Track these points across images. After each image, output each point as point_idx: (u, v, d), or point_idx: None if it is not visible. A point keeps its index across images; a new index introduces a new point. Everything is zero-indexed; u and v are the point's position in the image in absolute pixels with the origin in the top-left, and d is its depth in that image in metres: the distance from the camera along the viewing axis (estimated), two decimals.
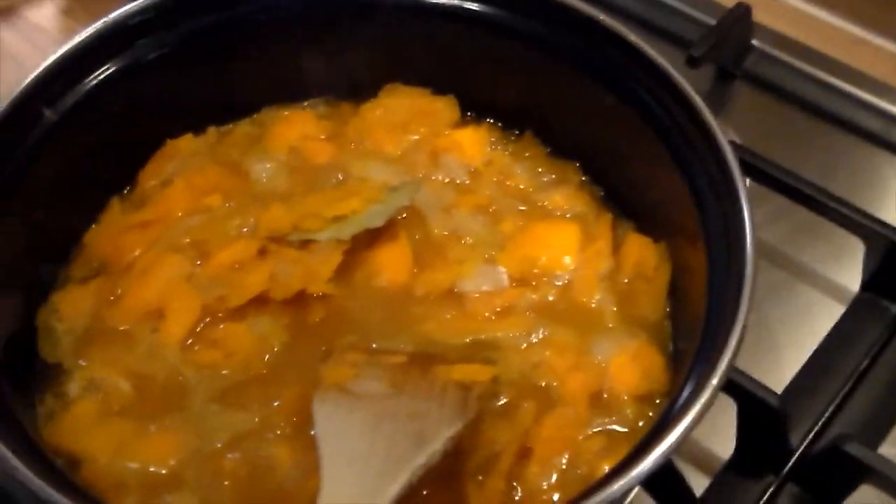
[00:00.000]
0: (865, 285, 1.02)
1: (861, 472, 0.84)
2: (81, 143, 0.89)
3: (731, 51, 1.20)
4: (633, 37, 0.87)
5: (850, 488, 0.86)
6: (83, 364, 0.83)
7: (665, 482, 0.82)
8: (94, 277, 0.89)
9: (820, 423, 0.91)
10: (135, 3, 0.89)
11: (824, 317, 1.00)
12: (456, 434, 0.73)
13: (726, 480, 0.88)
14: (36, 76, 0.83)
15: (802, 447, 0.89)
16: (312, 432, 0.73)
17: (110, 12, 0.89)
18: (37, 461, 0.65)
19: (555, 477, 0.77)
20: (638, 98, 0.87)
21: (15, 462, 0.64)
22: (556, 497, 0.76)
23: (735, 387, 0.83)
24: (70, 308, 0.86)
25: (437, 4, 0.95)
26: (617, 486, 0.64)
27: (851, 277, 1.03)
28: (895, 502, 0.83)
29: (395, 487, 0.67)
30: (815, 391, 0.93)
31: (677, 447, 0.66)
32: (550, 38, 0.92)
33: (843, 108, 1.18)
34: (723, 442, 0.89)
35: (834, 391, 0.93)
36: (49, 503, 0.62)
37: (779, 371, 0.94)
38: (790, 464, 0.88)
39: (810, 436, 0.90)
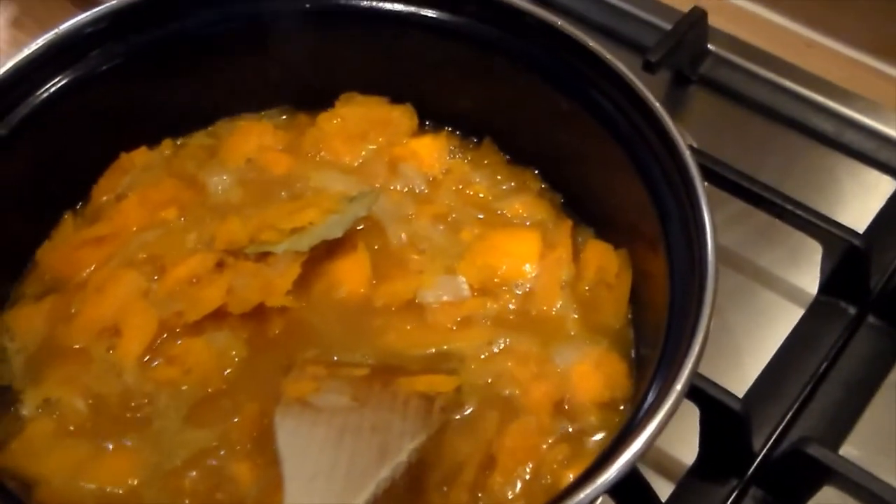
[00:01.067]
0: (823, 288, 1.02)
1: (823, 474, 0.84)
2: (32, 157, 0.87)
3: (687, 55, 1.21)
4: (591, 43, 0.87)
5: (812, 490, 0.87)
6: (36, 384, 0.82)
7: (631, 490, 0.82)
8: (48, 295, 0.87)
9: (781, 427, 0.92)
10: (87, 14, 0.88)
11: (783, 320, 1.01)
12: (420, 445, 0.72)
13: (690, 486, 0.89)
14: None
15: (765, 450, 0.90)
16: (275, 447, 0.72)
17: (61, 23, 0.87)
18: None
19: (519, 487, 0.77)
20: (596, 104, 0.87)
21: None
22: None
23: (697, 392, 0.84)
24: (22, 327, 0.85)
25: (392, 11, 0.94)
26: (582, 495, 0.64)
27: (809, 280, 1.04)
28: (856, 503, 0.84)
29: (359, 502, 0.66)
30: (777, 394, 0.94)
31: (642, 454, 0.66)
32: (508, 44, 0.92)
33: (798, 110, 1.20)
34: (686, 448, 0.89)
35: (794, 394, 0.94)
36: None
37: (740, 375, 0.95)
38: (753, 467, 0.89)
39: (772, 439, 0.91)
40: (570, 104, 0.89)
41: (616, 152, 0.86)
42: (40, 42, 0.85)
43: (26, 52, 0.85)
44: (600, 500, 0.82)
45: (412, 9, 0.94)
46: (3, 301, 0.87)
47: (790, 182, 1.07)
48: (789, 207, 1.00)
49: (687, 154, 0.79)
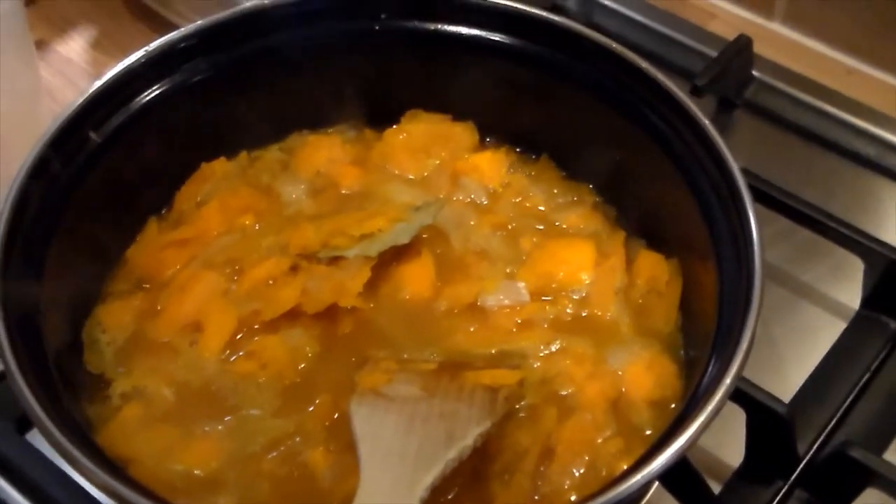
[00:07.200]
0: (865, 302, 1.05)
1: (866, 476, 0.87)
2: (123, 165, 0.92)
3: (732, 81, 1.24)
4: (645, 64, 0.91)
5: (855, 493, 0.89)
6: (126, 373, 0.87)
7: (684, 481, 0.86)
8: (135, 292, 0.93)
9: (826, 432, 0.94)
10: (181, 30, 0.94)
11: (826, 333, 1.03)
12: (485, 431, 0.77)
13: (737, 487, 0.91)
14: (84, 100, 0.87)
15: (810, 454, 0.92)
16: (350, 431, 0.76)
17: (144, 43, 0.92)
18: (96, 457, 0.69)
19: (576, 476, 0.80)
20: (650, 122, 0.91)
21: (76, 454, 0.67)
22: (576, 496, 0.80)
23: (744, 396, 0.87)
24: (113, 321, 0.90)
25: (456, 34, 0.99)
26: (634, 479, 0.68)
27: (851, 295, 1.06)
28: None
29: (429, 478, 0.71)
30: (820, 402, 0.96)
31: (691, 445, 0.69)
32: (566, 66, 0.96)
33: (840, 135, 1.22)
34: (733, 450, 0.92)
35: (837, 402, 0.96)
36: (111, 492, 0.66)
37: (784, 384, 0.97)
38: (798, 470, 0.91)
39: (817, 443, 0.93)
40: (625, 123, 0.93)
41: (668, 168, 0.90)
42: (137, 55, 0.91)
43: (124, 64, 0.90)
44: (655, 489, 0.88)
45: (475, 32, 0.99)
46: (95, 297, 0.93)
47: (833, 203, 1.09)
48: (832, 224, 1.03)
49: (736, 169, 0.83)
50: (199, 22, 0.95)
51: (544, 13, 0.97)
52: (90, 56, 1.34)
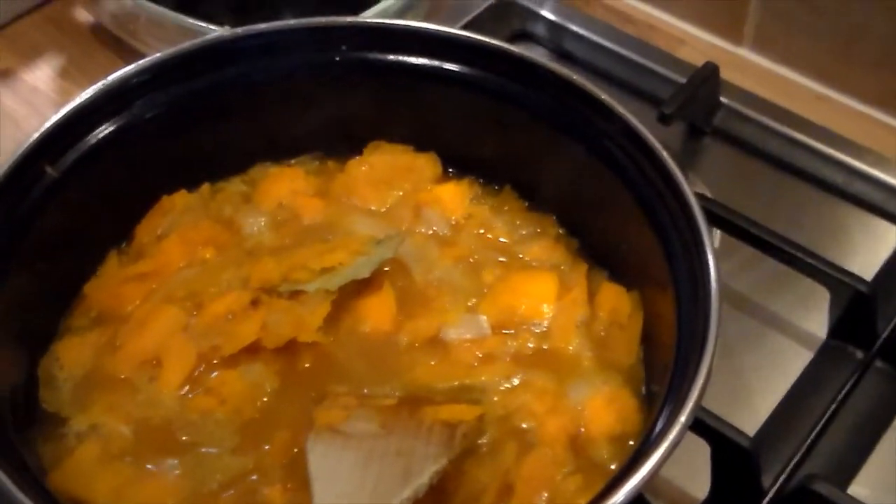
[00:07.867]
0: (832, 332, 1.05)
1: None
2: (81, 199, 0.92)
3: (700, 108, 1.25)
4: (604, 95, 0.91)
5: None
6: (83, 411, 0.86)
7: None
8: (94, 327, 0.92)
9: (791, 465, 0.93)
10: (133, 65, 0.93)
11: (793, 363, 1.03)
12: (441, 468, 0.76)
13: None
14: (40, 135, 0.87)
15: (775, 488, 0.91)
16: (306, 470, 0.76)
17: (108, 73, 0.92)
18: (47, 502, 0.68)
19: None
20: (609, 154, 0.91)
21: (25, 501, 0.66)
22: None
23: (708, 429, 0.87)
24: (70, 357, 0.89)
25: (416, 65, 0.99)
26: None
27: (818, 325, 1.06)
28: None
29: None
30: (786, 434, 0.96)
31: (648, 482, 0.69)
32: (525, 96, 0.96)
33: (808, 162, 1.23)
34: (698, 484, 0.92)
35: (804, 434, 0.95)
36: None
37: (750, 415, 0.97)
38: None
39: (782, 477, 0.92)
40: (585, 154, 0.93)
41: (627, 199, 0.89)
42: (93, 90, 0.90)
43: (79, 99, 0.89)
44: None
45: (435, 63, 0.99)
46: (53, 333, 0.92)
47: (800, 231, 1.10)
48: (798, 254, 1.03)
49: (691, 198, 0.83)
50: (157, 54, 0.95)
51: (503, 44, 0.97)
52: (57, 84, 1.33)
